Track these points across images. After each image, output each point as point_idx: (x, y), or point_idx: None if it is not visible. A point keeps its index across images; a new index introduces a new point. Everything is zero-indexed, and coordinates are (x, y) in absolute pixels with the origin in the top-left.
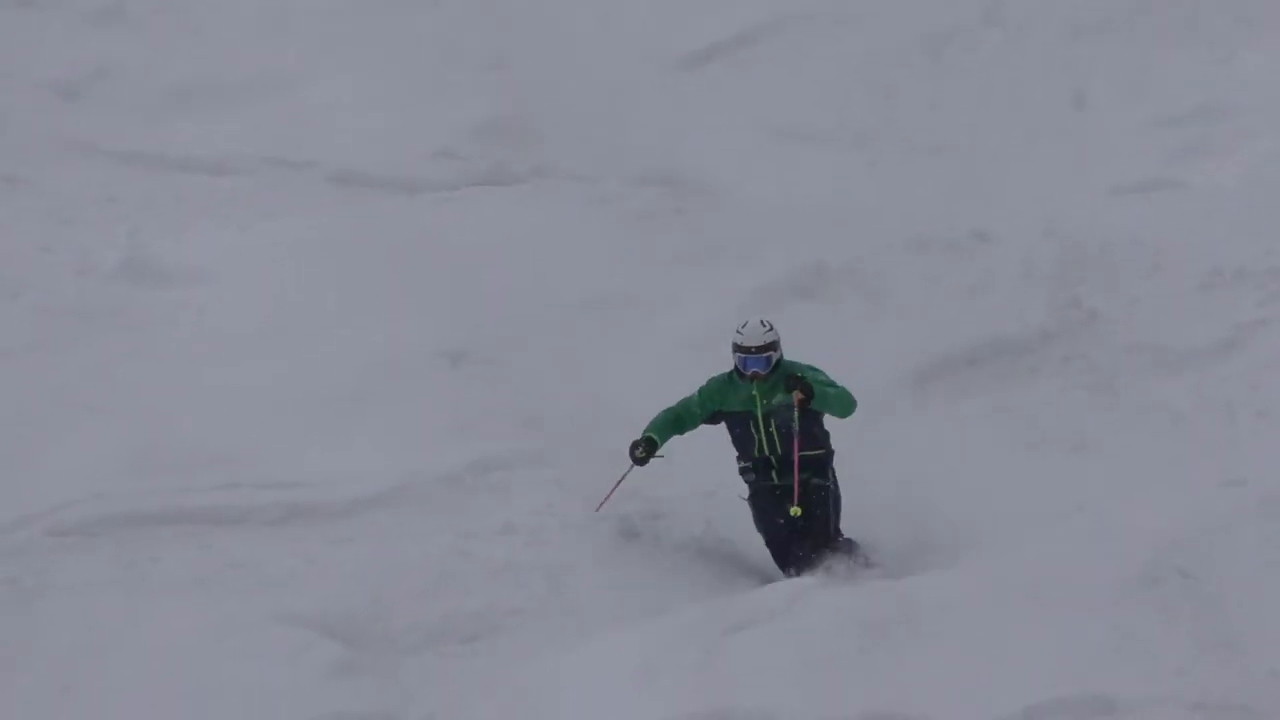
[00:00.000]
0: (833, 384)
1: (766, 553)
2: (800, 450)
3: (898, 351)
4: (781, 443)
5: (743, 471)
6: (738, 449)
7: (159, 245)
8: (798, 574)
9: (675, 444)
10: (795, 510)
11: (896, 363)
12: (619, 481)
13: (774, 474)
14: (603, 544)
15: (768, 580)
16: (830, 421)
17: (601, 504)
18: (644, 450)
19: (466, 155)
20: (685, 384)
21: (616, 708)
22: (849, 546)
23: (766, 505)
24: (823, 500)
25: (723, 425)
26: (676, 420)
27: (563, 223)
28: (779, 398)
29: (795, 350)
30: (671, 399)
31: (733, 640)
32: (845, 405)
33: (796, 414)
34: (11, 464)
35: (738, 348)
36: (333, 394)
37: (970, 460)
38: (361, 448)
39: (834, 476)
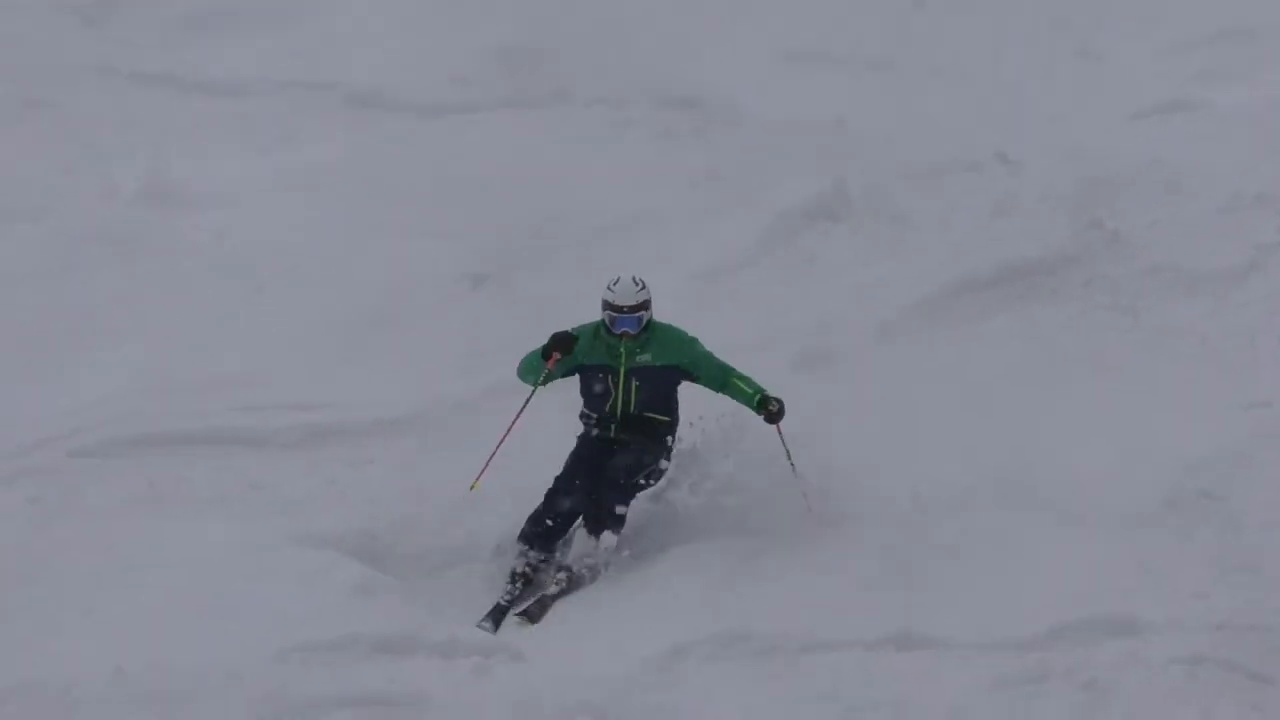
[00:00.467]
0: (732, 367)
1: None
2: (646, 411)
3: (918, 274)
4: (636, 403)
5: (583, 417)
6: (585, 400)
7: (179, 169)
8: (541, 540)
9: None
10: None
11: (917, 285)
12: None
13: (613, 428)
14: None
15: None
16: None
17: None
18: (563, 336)
19: (486, 79)
20: (707, 310)
21: (638, 630)
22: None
23: (585, 441)
24: (649, 456)
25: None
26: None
27: (583, 146)
28: (643, 358)
29: (819, 273)
30: (691, 324)
31: (753, 565)
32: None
33: (781, 439)
34: (32, 385)
35: (609, 305)
36: (353, 317)
37: (990, 383)
38: (382, 371)
39: (669, 450)
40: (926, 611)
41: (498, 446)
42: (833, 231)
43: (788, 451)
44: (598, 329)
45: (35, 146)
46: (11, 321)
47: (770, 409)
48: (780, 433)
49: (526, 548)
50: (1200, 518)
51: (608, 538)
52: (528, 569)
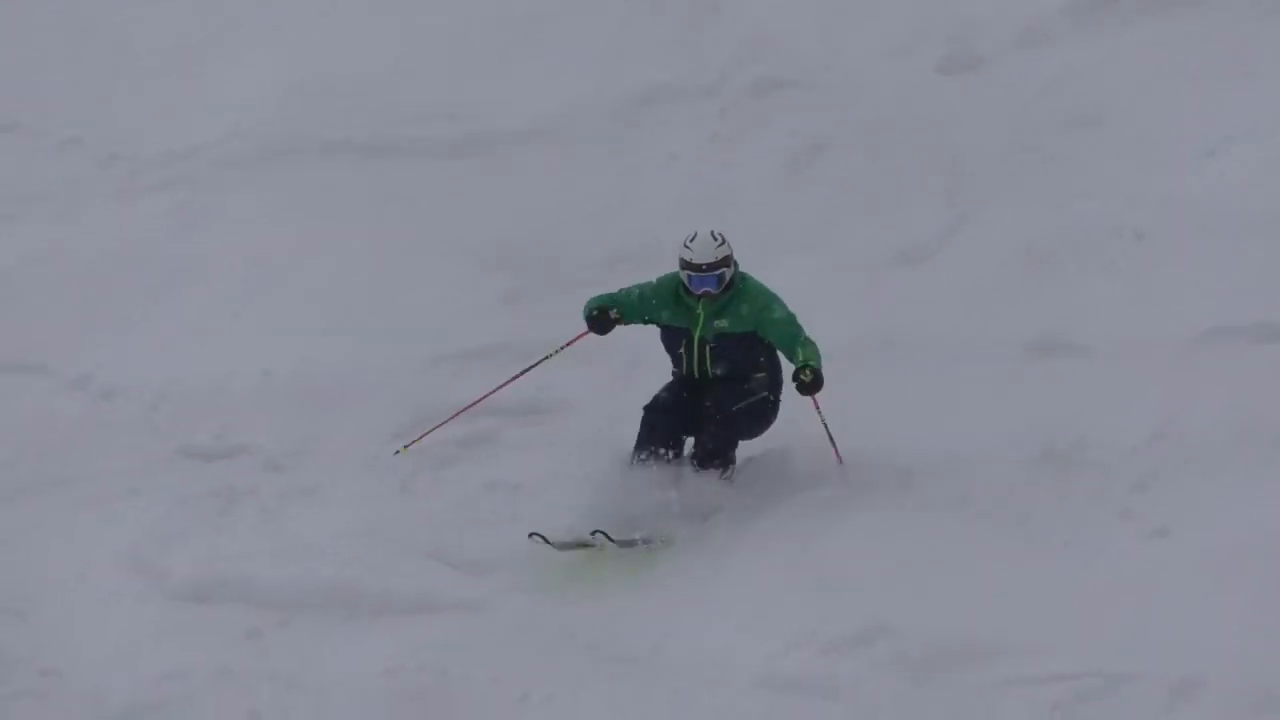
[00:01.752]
0: (799, 331)
1: None
2: (730, 378)
3: None
4: (714, 367)
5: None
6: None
7: None
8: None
9: None
10: None
11: None
12: (561, 347)
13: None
14: (765, 175)
15: None
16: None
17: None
18: (601, 317)
19: None
20: (850, 12)
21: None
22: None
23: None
24: (748, 387)
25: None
26: (615, 306)
27: None
28: (719, 324)
29: None
30: (834, 29)
31: (897, 270)
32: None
33: (820, 415)
34: (179, 95)
35: (685, 264)
36: (498, 22)
37: (1135, 88)
38: (527, 77)
39: (774, 384)
40: (1070, 317)
41: (478, 400)
42: None
43: (827, 432)
44: (680, 285)
45: None
46: (156, 28)
47: (801, 378)
48: (818, 408)
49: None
50: None
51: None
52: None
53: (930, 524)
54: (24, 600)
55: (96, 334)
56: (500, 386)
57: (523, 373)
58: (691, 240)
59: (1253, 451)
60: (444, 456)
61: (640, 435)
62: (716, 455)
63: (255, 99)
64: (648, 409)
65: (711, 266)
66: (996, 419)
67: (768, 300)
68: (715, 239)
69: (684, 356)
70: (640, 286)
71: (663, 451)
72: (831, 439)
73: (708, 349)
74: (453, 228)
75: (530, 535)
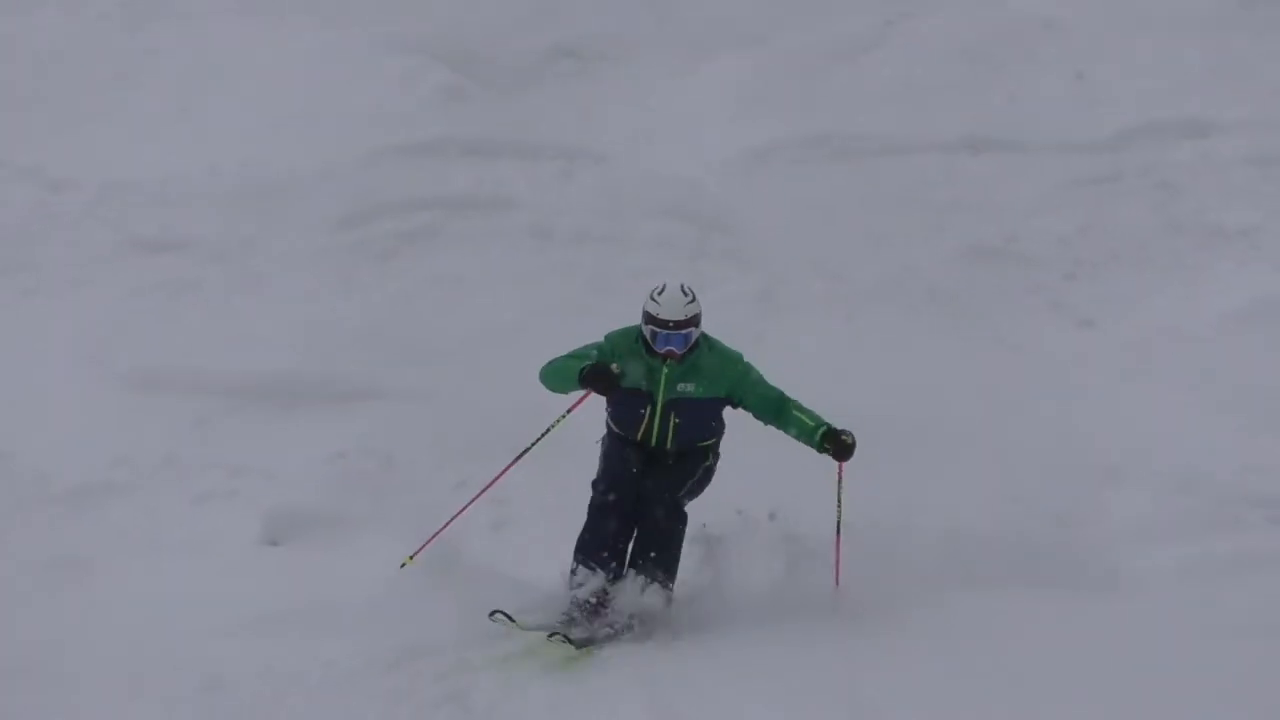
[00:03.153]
0: (785, 393)
1: None
2: (685, 444)
3: None
4: (675, 438)
5: (609, 424)
6: (614, 418)
7: None
8: (601, 566)
9: None
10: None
11: None
12: (564, 415)
13: (645, 452)
14: None
15: None
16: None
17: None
18: (603, 372)
19: None
20: None
21: (723, 132)
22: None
23: (623, 450)
24: (694, 462)
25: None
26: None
27: None
28: (684, 387)
29: None
30: None
31: (835, 67)
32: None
33: (839, 486)
34: None
35: (652, 319)
36: None
37: None
38: None
39: (715, 457)
40: (1005, 113)
41: (480, 492)
42: None
43: (840, 501)
44: (638, 340)
45: None
46: None
47: (843, 440)
48: (841, 478)
49: (589, 571)
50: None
51: (656, 591)
52: (592, 598)
53: (862, 315)
54: None
55: (46, 127)
56: (509, 466)
57: (527, 449)
58: (660, 293)
59: (1176, 243)
60: (386, 249)
61: (583, 538)
62: (660, 566)
63: None
64: (594, 508)
65: (679, 325)
66: (928, 213)
67: (745, 365)
68: (685, 294)
69: (642, 421)
70: (594, 347)
71: (603, 563)
72: (839, 524)
73: (671, 418)
74: (392, 22)
75: (493, 615)
